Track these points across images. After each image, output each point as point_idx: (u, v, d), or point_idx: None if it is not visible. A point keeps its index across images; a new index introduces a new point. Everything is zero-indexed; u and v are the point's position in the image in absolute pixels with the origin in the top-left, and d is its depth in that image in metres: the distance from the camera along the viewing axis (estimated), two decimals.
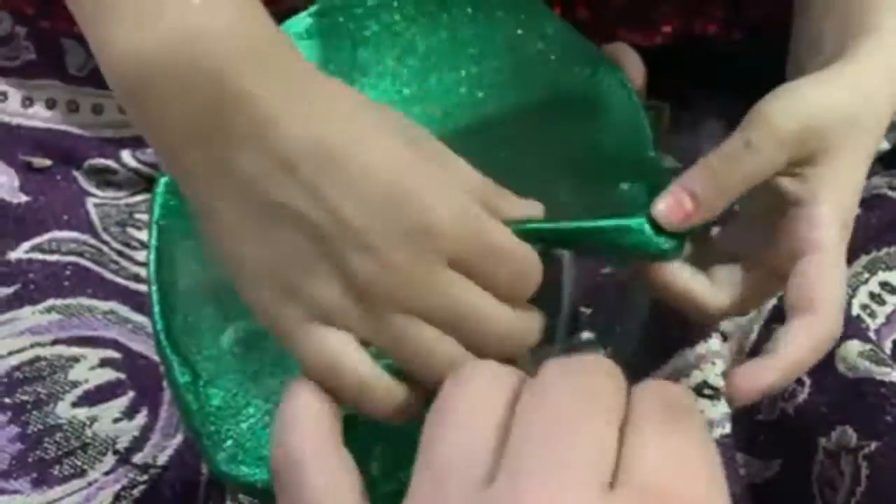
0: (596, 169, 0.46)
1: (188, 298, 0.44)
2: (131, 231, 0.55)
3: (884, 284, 0.53)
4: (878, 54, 0.43)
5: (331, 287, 0.35)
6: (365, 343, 0.36)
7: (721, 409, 0.49)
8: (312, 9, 0.47)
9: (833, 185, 0.41)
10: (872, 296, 0.53)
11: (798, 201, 0.41)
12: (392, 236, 0.34)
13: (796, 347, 0.39)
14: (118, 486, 0.46)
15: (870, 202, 0.57)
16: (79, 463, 0.46)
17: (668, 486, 0.27)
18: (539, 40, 0.47)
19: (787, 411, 0.49)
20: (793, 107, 0.41)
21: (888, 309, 0.52)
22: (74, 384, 0.48)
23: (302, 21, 0.47)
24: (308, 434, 0.33)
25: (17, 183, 0.55)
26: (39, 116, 0.58)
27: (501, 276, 0.36)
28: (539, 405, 0.29)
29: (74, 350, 0.49)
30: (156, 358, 0.48)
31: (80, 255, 0.53)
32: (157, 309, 0.44)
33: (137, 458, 0.47)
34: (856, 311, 0.52)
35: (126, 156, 0.57)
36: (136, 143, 0.57)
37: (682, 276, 0.42)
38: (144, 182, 0.57)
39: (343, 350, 0.35)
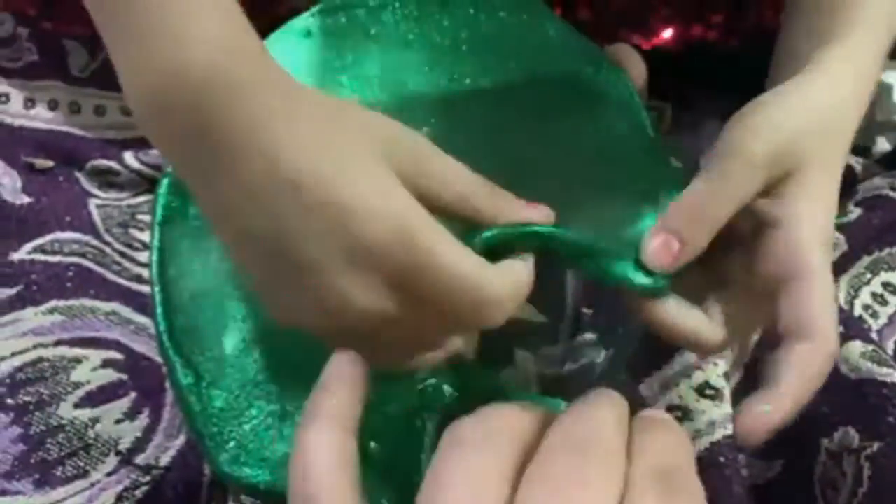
0: (598, 173, 0.46)
1: (191, 300, 0.44)
2: (133, 232, 0.55)
3: (886, 285, 0.53)
4: (845, 62, 0.44)
5: (294, 301, 0.36)
6: None
7: (723, 410, 0.49)
8: (314, 9, 0.47)
9: (809, 202, 0.41)
10: (875, 296, 0.53)
11: (776, 223, 0.41)
12: (329, 249, 0.35)
13: (800, 378, 0.38)
14: (120, 487, 0.46)
15: (871, 203, 0.57)
16: (81, 464, 0.46)
17: None
18: (541, 42, 0.48)
19: None
20: (762, 131, 0.41)
21: (890, 310, 0.52)
22: (77, 385, 0.48)
23: (304, 21, 0.47)
24: (326, 469, 0.33)
25: (19, 184, 0.55)
26: (42, 118, 0.58)
27: (443, 301, 0.36)
28: (541, 478, 0.29)
29: (77, 351, 0.49)
30: (158, 359, 0.48)
31: (83, 256, 0.53)
32: (159, 310, 0.44)
33: (140, 459, 0.47)
34: (858, 311, 0.52)
35: (128, 157, 0.57)
36: (139, 144, 0.58)
37: (677, 314, 0.41)
38: (147, 183, 0.57)
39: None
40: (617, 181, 0.45)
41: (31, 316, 0.50)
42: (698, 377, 0.49)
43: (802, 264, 0.40)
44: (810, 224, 0.41)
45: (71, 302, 0.51)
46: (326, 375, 0.35)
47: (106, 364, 0.49)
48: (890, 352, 0.50)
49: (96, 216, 0.55)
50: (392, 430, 0.43)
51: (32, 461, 0.46)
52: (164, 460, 0.47)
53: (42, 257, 0.52)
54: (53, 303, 0.50)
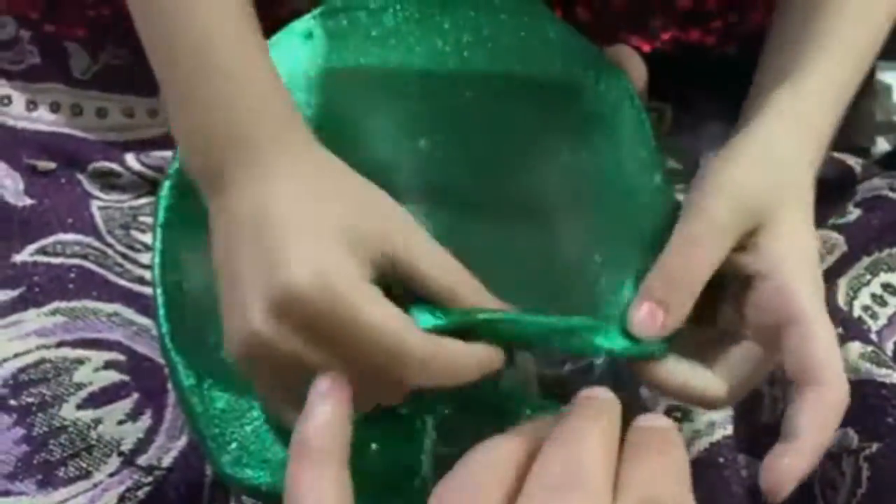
0: (596, 188, 0.46)
1: (192, 301, 0.44)
2: (135, 234, 0.55)
3: (885, 286, 0.53)
4: (790, 110, 0.45)
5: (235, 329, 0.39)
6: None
7: (723, 410, 0.49)
8: (316, 11, 0.47)
9: (788, 248, 0.41)
10: (874, 297, 0.53)
11: (761, 275, 0.41)
12: (253, 287, 0.37)
13: (815, 426, 0.38)
14: (123, 488, 0.46)
15: (871, 203, 0.57)
16: (84, 465, 0.46)
17: None
18: (541, 44, 0.48)
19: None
20: (724, 191, 0.42)
21: (889, 310, 0.52)
22: (79, 386, 0.48)
23: (305, 23, 0.47)
24: None
25: (21, 186, 0.55)
26: (44, 120, 0.58)
27: (358, 353, 0.37)
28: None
29: (79, 352, 0.49)
30: (160, 360, 0.48)
31: (85, 257, 0.53)
32: (161, 311, 0.44)
33: (142, 460, 0.47)
34: (857, 312, 0.52)
35: (130, 159, 0.57)
36: (140, 146, 0.58)
37: (680, 374, 0.42)
38: (148, 185, 0.57)
39: None
40: (600, 230, 0.45)
41: (34, 317, 0.50)
42: None
43: (797, 312, 0.40)
44: (796, 269, 0.41)
45: (73, 303, 0.51)
46: (309, 403, 0.35)
47: (108, 365, 0.49)
48: (889, 353, 0.50)
49: (98, 218, 0.55)
50: (392, 431, 0.43)
51: (35, 462, 0.46)
52: (167, 461, 0.47)
53: (44, 259, 0.52)
54: (56, 304, 0.51)
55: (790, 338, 0.40)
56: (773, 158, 0.43)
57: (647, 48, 0.58)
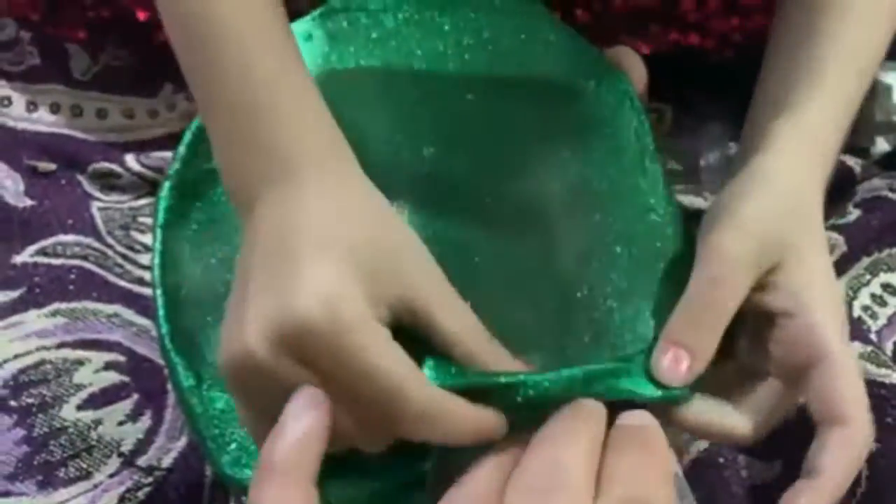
0: (596, 189, 0.46)
1: (192, 302, 0.45)
2: (135, 235, 0.56)
3: (885, 286, 0.53)
4: (796, 141, 0.44)
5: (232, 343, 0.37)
6: None
7: None
8: (316, 12, 0.47)
9: (812, 284, 0.41)
10: (874, 297, 0.53)
11: (787, 313, 0.41)
12: (259, 306, 0.36)
13: (840, 467, 0.38)
14: (123, 489, 0.46)
15: (870, 204, 0.57)
16: (84, 465, 0.46)
17: None
18: (542, 46, 0.48)
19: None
20: (741, 230, 0.41)
21: (889, 311, 0.52)
22: (79, 387, 0.48)
23: (305, 24, 0.47)
24: None
25: (21, 187, 0.55)
26: (44, 121, 0.58)
27: (358, 392, 0.35)
28: None
29: (79, 353, 0.49)
30: (160, 361, 0.48)
31: (85, 258, 0.53)
32: (161, 312, 0.44)
33: (142, 461, 0.47)
34: (857, 312, 0.52)
35: (130, 160, 0.57)
36: (140, 146, 0.58)
37: (707, 414, 0.41)
38: (148, 186, 0.57)
39: None
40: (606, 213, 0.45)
41: (34, 318, 0.50)
42: None
43: (823, 350, 0.39)
44: (821, 307, 0.41)
45: (73, 304, 0.51)
46: (282, 420, 0.34)
47: (108, 366, 0.49)
48: (888, 353, 0.50)
49: (98, 219, 0.55)
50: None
51: (35, 463, 0.46)
52: (166, 462, 0.47)
53: (44, 260, 0.52)
54: (56, 305, 0.51)
55: (817, 377, 0.39)
56: (785, 190, 0.43)
57: (646, 50, 0.58)
